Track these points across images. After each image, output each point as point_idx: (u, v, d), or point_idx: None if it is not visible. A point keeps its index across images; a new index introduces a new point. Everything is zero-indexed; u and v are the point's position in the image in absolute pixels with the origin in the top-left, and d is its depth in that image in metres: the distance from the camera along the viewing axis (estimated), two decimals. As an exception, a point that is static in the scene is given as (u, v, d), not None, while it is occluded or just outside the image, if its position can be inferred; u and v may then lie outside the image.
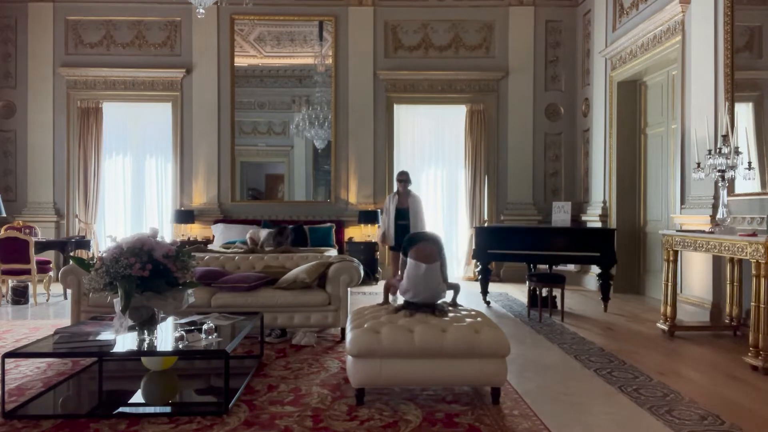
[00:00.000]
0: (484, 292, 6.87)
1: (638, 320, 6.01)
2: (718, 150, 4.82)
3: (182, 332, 3.51)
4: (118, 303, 3.43)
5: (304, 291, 5.00)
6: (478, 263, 7.11)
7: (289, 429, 2.99)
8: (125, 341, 3.46)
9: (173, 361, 3.79)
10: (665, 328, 5.26)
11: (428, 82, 9.28)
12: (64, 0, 9.10)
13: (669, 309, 5.25)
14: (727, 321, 5.32)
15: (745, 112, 5.53)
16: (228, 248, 7.82)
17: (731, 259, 5.15)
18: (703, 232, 4.99)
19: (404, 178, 7.31)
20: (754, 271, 4.15)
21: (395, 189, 7.49)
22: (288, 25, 9.36)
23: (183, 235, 8.94)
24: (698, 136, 5.46)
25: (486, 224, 9.05)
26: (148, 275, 3.41)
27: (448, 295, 3.93)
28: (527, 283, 6.43)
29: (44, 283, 7.26)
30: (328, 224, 8.87)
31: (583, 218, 8.64)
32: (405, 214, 7.19)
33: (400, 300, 3.85)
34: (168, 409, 3.27)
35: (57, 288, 7.53)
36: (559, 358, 4.49)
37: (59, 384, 3.70)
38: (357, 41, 9.24)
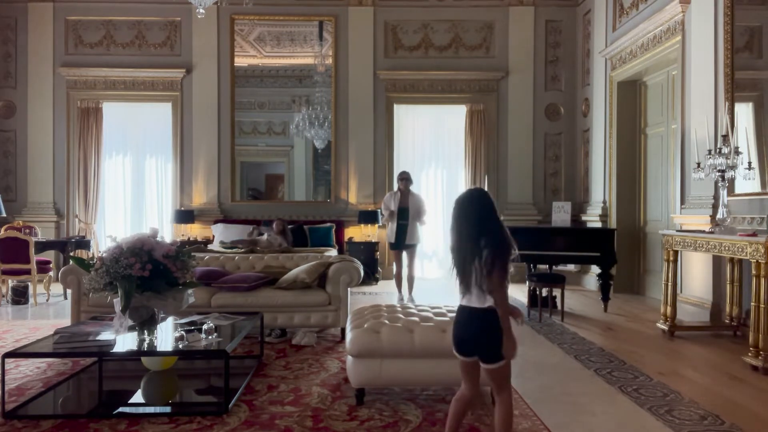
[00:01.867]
0: (484, 292, 6.87)
1: (638, 320, 6.01)
2: (718, 150, 4.83)
3: (182, 332, 3.51)
4: (118, 303, 3.43)
5: (304, 291, 5.00)
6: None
7: (289, 429, 2.99)
8: (125, 341, 3.46)
9: (173, 361, 3.80)
10: (665, 328, 5.26)
11: (428, 82, 9.28)
12: (64, 0, 9.11)
13: (669, 309, 5.25)
14: (727, 321, 5.32)
15: (745, 112, 5.53)
16: (232, 247, 7.84)
17: (731, 259, 5.15)
18: (703, 232, 4.99)
19: (406, 177, 7.12)
20: (754, 271, 4.15)
21: (396, 187, 7.32)
22: (288, 25, 9.36)
23: (183, 235, 8.94)
24: (698, 136, 5.46)
25: (486, 224, 9.03)
26: (148, 275, 3.42)
27: None
28: (527, 283, 6.43)
29: (44, 283, 7.26)
30: (328, 224, 8.87)
31: (583, 218, 8.64)
32: (405, 214, 7.03)
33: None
34: (168, 409, 3.27)
35: (57, 288, 7.53)
36: (559, 358, 4.50)
37: (59, 384, 3.70)
38: (357, 41, 9.24)
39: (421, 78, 9.25)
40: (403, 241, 6.98)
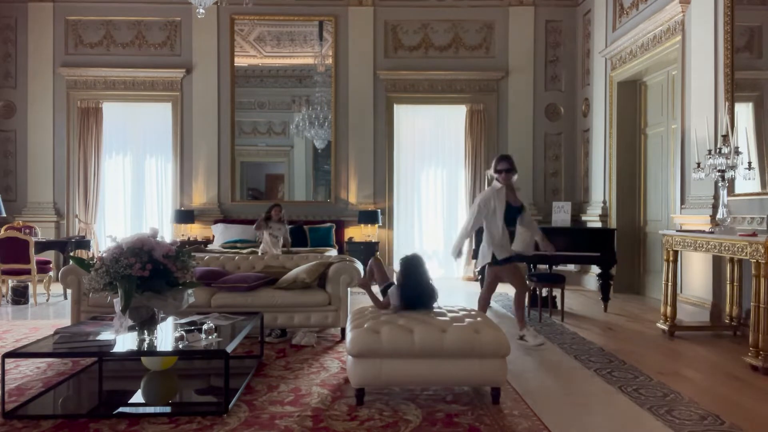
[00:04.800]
0: (484, 292, 6.86)
1: (638, 320, 6.01)
2: (718, 150, 4.83)
3: (182, 332, 3.51)
4: (118, 303, 3.43)
5: (304, 291, 5.00)
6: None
7: (289, 429, 2.99)
8: (125, 341, 3.46)
9: (173, 361, 3.79)
10: (665, 328, 5.26)
11: (428, 82, 9.28)
12: (64, 0, 9.11)
13: (669, 309, 5.25)
14: (727, 321, 5.32)
15: (745, 112, 5.53)
16: (231, 247, 7.81)
17: (731, 259, 5.15)
18: (703, 232, 4.99)
19: (510, 167, 4.87)
20: (754, 271, 4.15)
21: (493, 183, 4.99)
22: (288, 25, 9.36)
23: (183, 235, 8.94)
24: (698, 136, 5.46)
25: (486, 224, 9.02)
26: (148, 275, 3.41)
27: None
28: (527, 283, 6.42)
29: (44, 283, 7.25)
30: (328, 224, 8.86)
31: (583, 218, 8.64)
32: (516, 216, 4.86)
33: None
34: (168, 409, 3.27)
35: (57, 288, 7.53)
36: (559, 358, 4.49)
37: (59, 384, 3.69)
38: (357, 41, 9.24)
39: (421, 78, 9.25)
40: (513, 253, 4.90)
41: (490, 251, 4.84)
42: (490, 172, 4.99)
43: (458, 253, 4.99)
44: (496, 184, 4.88)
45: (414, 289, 3.80)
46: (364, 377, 3.30)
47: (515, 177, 4.95)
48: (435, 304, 3.87)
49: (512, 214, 4.83)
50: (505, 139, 9.26)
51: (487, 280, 5.00)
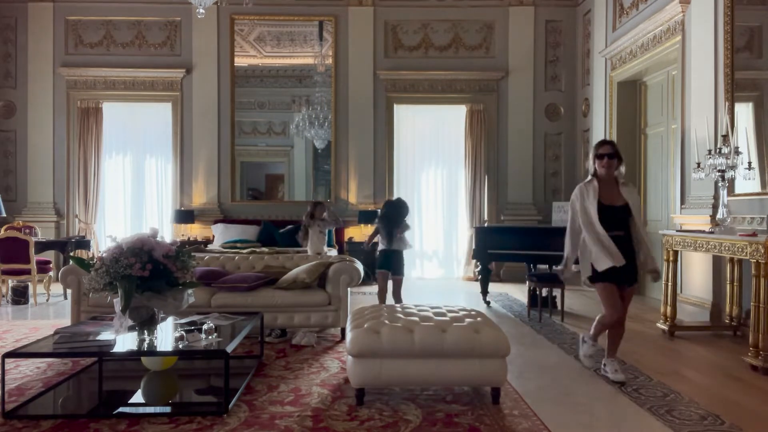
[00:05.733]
0: (484, 292, 6.87)
1: (638, 320, 6.01)
2: (718, 150, 4.83)
3: (182, 332, 3.51)
4: (118, 303, 3.43)
5: (304, 291, 5.00)
6: (478, 263, 7.08)
7: (289, 429, 2.99)
8: (125, 341, 3.46)
9: (173, 361, 3.79)
10: (665, 328, 5.26)
11: (428, 82, 9.29)
12: (64, 0, 9.11)
13: (669, 309, 5.26)
14: (727, 321, 5.32)
15: (745, 112, 5.53)
16: (231, 247, 7.80)
17: (731, 259, 5.15)
18: (703, 232, 4.99)
19: (613, 151, 3.78)
20: (754, 271, 4.15)
21: (589, 176, 3.93)
22: (288, 25, 9.36)
23: (183, 235, 8.94)
24: (698, 136, 5.46)
25: (486, 224, 9.04)
26: (148, 275, 3.41)
27: None
28: (527, 283, 6.43)
29: (44, 283, 7.25)
30: (328, 224, 8.85)
31: (583, 218, 8.62)
32: (622, 217, 3.76)
33: None
34: (168, 409, 3.27)
35: (57, 288, 7.52)
36: (559, 358, 4.50)
37: (59, 384, 3.70)
38: (357, 41, 9.25)
39: (421, 78, 9.26)
40: (628, 267, 3.77)
41: (587, 263, 3.86)
42: (589, 162, 3.94)
43: (566, 269, 4.08)
44: (589, 177, 3.90)
45: (390, 209, 5.59)
46: (364, 377, 3.30)
47: (622, 168, 3.81)
48: (406, 221, 5.59)
49: (611, 216, 3.72)
50: (505, 139, 9.26)
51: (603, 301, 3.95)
